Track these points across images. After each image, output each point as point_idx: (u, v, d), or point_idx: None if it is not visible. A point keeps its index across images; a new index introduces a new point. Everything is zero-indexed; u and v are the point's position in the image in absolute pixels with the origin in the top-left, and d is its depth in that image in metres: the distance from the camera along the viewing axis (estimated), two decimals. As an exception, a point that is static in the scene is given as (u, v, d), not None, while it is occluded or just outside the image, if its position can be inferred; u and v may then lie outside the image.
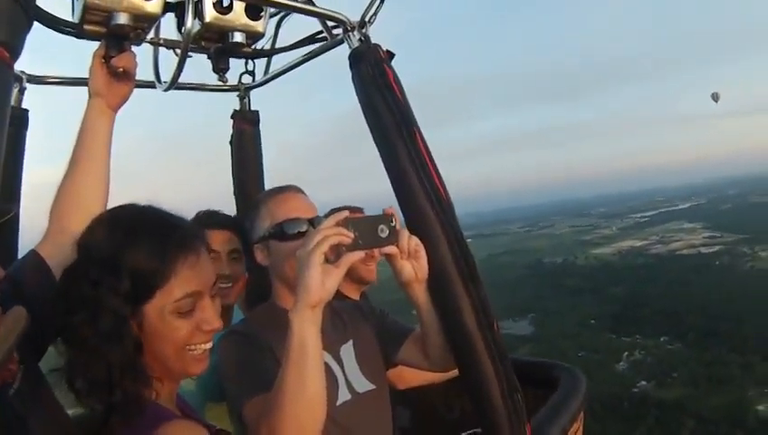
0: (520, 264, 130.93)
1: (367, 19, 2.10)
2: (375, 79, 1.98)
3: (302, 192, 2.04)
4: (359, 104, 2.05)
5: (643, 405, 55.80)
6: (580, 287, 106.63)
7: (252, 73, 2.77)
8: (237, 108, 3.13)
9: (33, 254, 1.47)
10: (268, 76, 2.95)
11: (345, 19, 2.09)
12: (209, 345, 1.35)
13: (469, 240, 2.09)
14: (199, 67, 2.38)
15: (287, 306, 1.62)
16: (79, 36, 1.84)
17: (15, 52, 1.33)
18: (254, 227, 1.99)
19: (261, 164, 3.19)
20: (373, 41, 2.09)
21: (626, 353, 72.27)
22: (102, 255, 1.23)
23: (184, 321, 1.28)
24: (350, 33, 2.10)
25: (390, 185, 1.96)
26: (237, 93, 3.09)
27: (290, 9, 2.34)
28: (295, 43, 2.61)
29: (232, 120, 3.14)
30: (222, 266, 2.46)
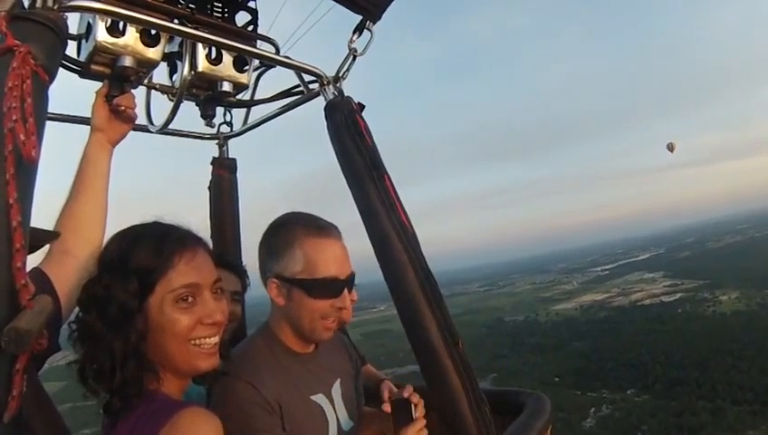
0: (480, 323, 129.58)
1: (341, 75, 2.47)
2: (348, 127, 2.28)
3: (341, 236, 2.00)
4: (333, 151, 2.33)
5: (615, 463, 54.00)
6: (541, 344, 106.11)
7: (230, 124, 3.07)
8: (216, 155, 3.27)
9: (38, 271, 1.60)
10: (246, 126, 3.14)
11: (322, 73, 2.43)
12: (215, 340, 1.43)
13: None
14: (180, 115, 2.59)
15: (294, 347, 1.94)
16: (82, 75, 2.05)
17: (52, 75, 1.46)
18: (279, 263, 1.90)
19: (237, 209, 3.34)
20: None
21: (592, 409, 71.35)
22: (112, 260, 1.38)
23: (184, 314, 1.37)
24: (326, 87, 2.43)
25: (362, 221, 2.23)
26: (217, 142, 3.23)
27: (273, 62, 2.54)
28: (275, 95, 2.86)
29: (211, 167, 3.26)
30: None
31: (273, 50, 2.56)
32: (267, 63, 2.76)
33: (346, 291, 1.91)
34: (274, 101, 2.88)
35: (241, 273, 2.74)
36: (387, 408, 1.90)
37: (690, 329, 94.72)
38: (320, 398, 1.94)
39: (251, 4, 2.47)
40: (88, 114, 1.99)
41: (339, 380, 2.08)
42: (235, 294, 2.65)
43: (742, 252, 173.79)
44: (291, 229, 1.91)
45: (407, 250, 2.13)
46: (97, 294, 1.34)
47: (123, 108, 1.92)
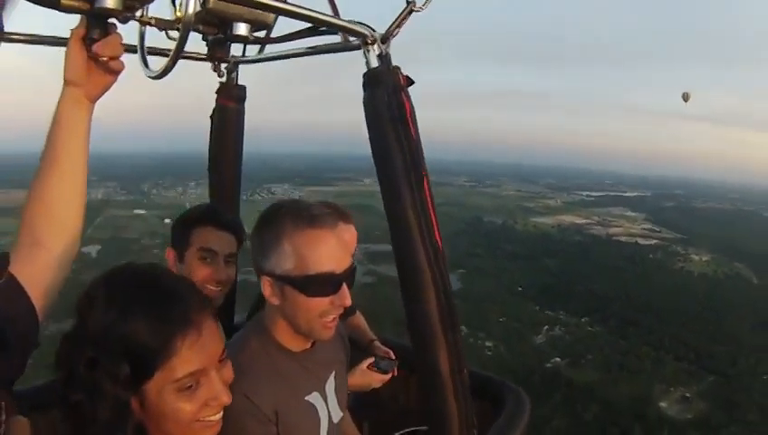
0: (459, 218, 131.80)
1: (392, 33, 1.96)
2: (391, 109, 1.92)
3: (337, 223, 1.89)
4: (366, 130, 1.99)
5: (553, 382, 57.75)
6: (514, 252, 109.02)
7: (242, 50, 2.73)
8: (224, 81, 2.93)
9: (7, 276, 1.32)
10: (264, 56, 2.74)
11: (367, 31, 1.94)
12: (219, 416, 1.36)
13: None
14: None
15: (290, 346, 1.88)
16: (54, 8, 1.52)
17: None
18: (270, 260, 1.79)
19: (241, 145, 3.09)
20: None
21: (546, 327, 74.77)
22: (98, 331, 1.21)
23: (188, 401, 1.28)
24: (370, 47, 1.96)
25: (389, 227, 1.99)
26: (225, 66, 2.82)
27: (306, 20, 1.98)
28: (297, 32, 2.31)
29: (216, 95, 2.97)
30: (218, 271, 2.52)
31: None
32: None
33: (345, 286, 1.81)
34: (298, 38, 2.37)
35: (237, 230, 2.59)
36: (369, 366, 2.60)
37: (656, 277, 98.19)
38: (314, 397, 1.93)
39: None
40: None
41: (333, 373, 2.08)
42: (229, 257, 2.54)
43: (725, 220, 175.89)
44: (279, 222, 1.79)
45: (434, 275, 1.96)
46: (82, 373, 1.20)
47: (106, 57, 1.52)
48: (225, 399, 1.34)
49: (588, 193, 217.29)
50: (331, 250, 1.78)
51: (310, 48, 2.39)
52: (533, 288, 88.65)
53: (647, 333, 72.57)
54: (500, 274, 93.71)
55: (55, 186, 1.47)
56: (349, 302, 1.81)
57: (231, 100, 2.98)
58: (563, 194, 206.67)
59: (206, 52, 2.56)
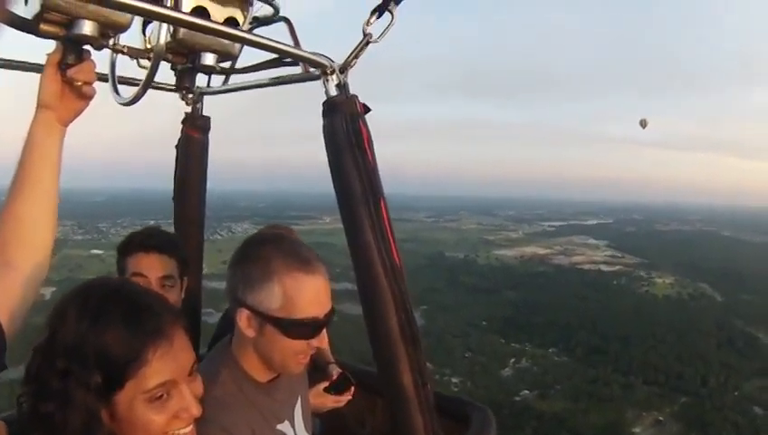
0: (420, 254, 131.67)
1: (349, 64, 2.11)
2: (348, 136, 2.04)
3: (323, 268, 1.90)
4: (326, 155, 2.12)
5: (523, 415, 57.37)
6: (476, 286, 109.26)
7: (207, 81, 2.83)
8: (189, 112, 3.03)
9: None
10: (228, 87, 2.87)
11: (326, 61, 2.09)
12: (188, 429, 1.38)
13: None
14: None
15: (258, 377, 1.89)
16: (30, 32, 1.66)
17: None
18: (254, 295, 1.79)
19: (205, 173, 3.16)
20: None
21: (512, 360, 74.43)
22: (69, 342, 1.23)
23: (158, 412, 1.30)
24: (329, 77, 2.10)
25: (348, 248, 2.11)
26: (191, 96, 2.91)
27: (267, 50, 2.15)
28: (263, 62, 2.51)
29: (182, 125, 3.06)
30: None
31: (272, 11, 2.40)
32: (263, 22, 2.46)
33: (324, 330, 1.87)
34: (261, 69, 2.55)
35: (168, 250, 2.58)
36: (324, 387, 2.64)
37: (621, 303, 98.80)
38: (285, 425, 1.97)
39: None
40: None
41: (299, 399, 2.13)
42: (165, 279, 2.53)
43: (686, 241, 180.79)
44: (270, 260, 1.78)
45: (392, 289, 2.07)
46: (51, 382, 1.21)
47: (80, 82, 1.60)
48: (195, 411, 1.36)
49: (549, 223, 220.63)
50: (318, 296, 1.82)
51: (272, 79, 2.51)
52: (498, 321, 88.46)
53: (614, 359, 72.80)
54: (463, 308, 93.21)
55: (27, 207, 1.52)
56: (325, 343, 1.97)
57: (196, 130, 3.05)
58: (525, 225, 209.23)
59: (171, 82, 2.68)
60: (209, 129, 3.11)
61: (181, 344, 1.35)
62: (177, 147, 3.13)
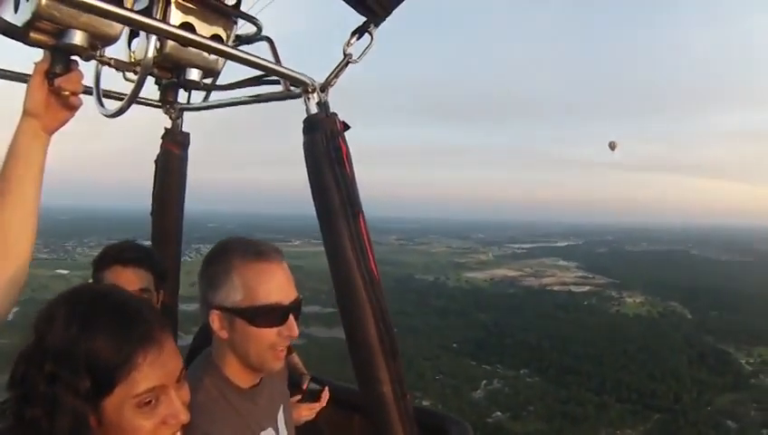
0: (390, 276, 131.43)
1: (330, 83, 2.25)
2: (329, 152, 2.15)
3: (283, 260, 1.96)
4: (306, 170, 2.22)
5: (496, 437, 56.77)
6: (446, 309, 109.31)
7: (187, 97, 2.92)
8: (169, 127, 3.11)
9: None
10: (208, 104, 2.94)
11: (308, 80, 2.20)
12: None
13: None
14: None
15: (240, 383, 1.91)
16: (19, 40, 1.70)
17: None
18: (219, 293, 1.85)
19: (184, 188, 3.21)
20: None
21: (484, 382, 74.31)
22: (58, 346, 1.23)
23: (146, 418, 1.30)
24: (310, 96, 2.22)
25: (327, 260, 2.22)
26: (169, 112, 3.02)
27: (251, 66, 2.21)
28: (242, 81, 2.59)
29: (161, 140, 3.12)
30: None
31: (254, 29, 2.49)
32: (246, 41, 2.53)
33: (292, 317, 1.87)
34: (242, 87, 2.63)
35: (145, 264, 2.59)
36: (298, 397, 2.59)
37: (592, 323, 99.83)
38: (268, 432, 2.00)
39: None
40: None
41: (282, 407, 2.16)
42: (141, 292, 2.51)
43: (656, 261, 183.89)
44: (227, 257, 1.87)
45: (371, 301, 2.14)
46: (40, 387, 1.21)
47: (68, 92, 1.63)
48: (184, 417, 1.36)
49: (519, 246, 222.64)
50: (278, 282, 1.86)
51: (253, 96, 2.62)
52: (469, 343, 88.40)
53: (587, 378, 73.25)
54: (433, 331, 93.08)
55: (9, 215, 1.55)
56: (296, 332, 1.89)
57: (176, 145, 3.10)
58: (495, 248, 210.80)
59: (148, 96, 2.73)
60: (188, 144, 3.17)
61: (170, 351, 1.36)
62: (155, 162, 3.19)
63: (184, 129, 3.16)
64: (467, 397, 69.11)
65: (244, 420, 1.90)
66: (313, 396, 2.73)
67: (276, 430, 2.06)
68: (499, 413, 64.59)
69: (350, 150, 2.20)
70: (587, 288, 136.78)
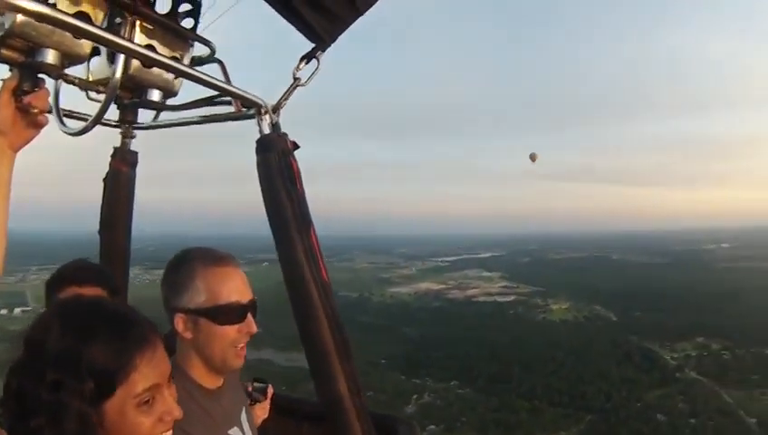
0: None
1: (281, 105, 2.45)
2: (281, 170, 2.33)
3: (239, 264, 2.15)
4: (260, 188, 2.38)
5: (430, 450, 56.40)
6: (373, 325, 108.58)
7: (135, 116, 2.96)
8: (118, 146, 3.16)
9: None
10: (159, 123, 3.03)
11: (261, 102, 2.39)
12: (170, 433, 1.46)
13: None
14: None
15: (205, 384, 2.06)
16: None
17: None
18: (183, 297, 2.03)
19: (132, 208, 3.28)
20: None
21: (415, 396, 74.00)
22: (60, 355, 1.27)
23: (146, 415, 1.37)
24: (264, 117, 2.40)
25: (282, 270, 2.38)
26: (120, 131, 3.07)
27: (210, 87, 2.36)
28: (196, 101, 2.69)
29: (111, 159, 3.17)
30: None
31: (209, 52, 2.59)
32: (199, 62, 2.60)
33: (250, 315, 2.05)
34: (195, 108, 2.72)
35: (101, 281, 2.58)
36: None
37: (519, 331, 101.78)
38: (235, 431, 2.14)
39: None
40: None
41: (243, 408, 2.30)
42: None
43: (579, 267, 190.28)
44: (190, 263, 2.04)
45: (324, 306, 2.31)
46: (42, 396, 1.23)
47: (36, 110, 1.65)
48: (177, 413, 1.43)
49: (442, 259, 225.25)
50: (237, 284, 2.05)
51: (205, 116, 2.74)
52: (397, 358, 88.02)
53: (518, 385, 74.21)
54: (361, 347, 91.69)
55: None
56: (254, 329, 2.07)
57: (125, 164, 3.14)
58: (418, 262, 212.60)
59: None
60: (137, 163, 3.20)
61: (162, 351, 1.43)
62: (104, 180, 3.20)
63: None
64: (399, 412, 67.67)
65: (214, 419, 2.04)
66: (257, 391, 2.71)
67: (242, 429, 2.19)
68: (433, 426, 64.33)
69: (300, 168, 2.37)
70: (512, 297, 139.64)
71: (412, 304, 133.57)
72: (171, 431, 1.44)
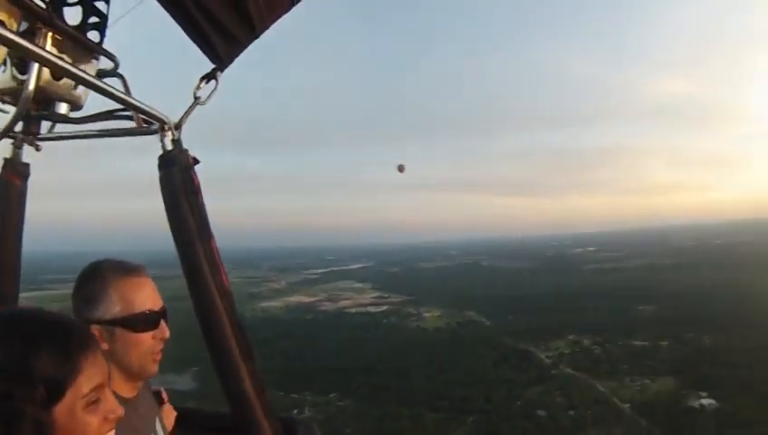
0: (182, 313, 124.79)
1: (183, 123, 2.56)
2: (184, 184, 2.46)
3: (149, 274, 2.24)
4: (163, 202, 2.50)
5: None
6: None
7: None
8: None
9: None
10: (55, 135, 2.95)
11: (165, 118, 2.50)
12: (113, 433, 1.52)
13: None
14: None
15: (123, 393, 2.08)
16: None
17: None
18: (98, 309, 2.10)
19: (22, 221, 3.17)
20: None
21: (295, 411, 72.28)
22: (6, 365, 1.31)
23: (93, 415, 1.43)
24: (165, 133, 2.51)
25: (186, 280, 2.52)
26: (13, 142, 2.98)
27: (117, 101, 2.41)
28: (97, 114, 2.69)
29: (1, 170, 3.08)
30: None
31: (112, 66, 2.62)
32: (102, 76, 2.59)
33: (163, 322, 2.18)
34: (95, 121, 2.73)
35: None
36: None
37: (394, 340, 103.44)
38: None
39: (99, 5, 2.42)
40: None
41: (157, 417, 2.40)
42: None
43: (449, 274, 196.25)
44: (102, 275, 2.11)
45: (226, 311, 2.49)
46: None
47: None
48: (120, 411, 1.50)
49: (312, 271, 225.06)
50: (149, 293, 2.17)
51: (104, 130, 2.76)
52: (273, 374, 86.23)
53: (398, 393, 74.90)
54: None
55: None
56: (167, 334, 2.20)
57: (16, 176, 3.04)
58: (288, 275, 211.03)
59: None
60: (29, 175, 3.10)
61: (100, 352, 1.49)
62: None
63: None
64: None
65: (133, 428, 2.10)
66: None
67: None
68: (317, 440, 63.21)
69: (201, 182, 2.50)
70: (385, 307, 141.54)
71: (284, 317, 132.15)
72: (114, 431, 1.49)
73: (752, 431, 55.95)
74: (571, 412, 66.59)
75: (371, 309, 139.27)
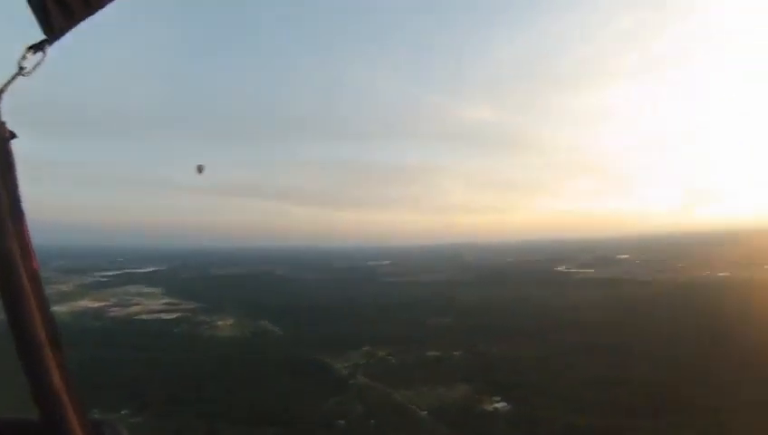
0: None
1: (3, 91, 2.36)
2: None
3: None
4: None
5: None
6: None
7: None
8: None
9: None
10: None
11: None
12: None
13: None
14: None
15: None
16: None
17: None
18: None
19: None
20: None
21: (81, 432, 67.40)
22: None
23: None
24: None
25: None
26: None
27: None
28: None
29: None
30: None
31: None
32: None
33: None
34: None
35: None
36: None
37: (186, 349, 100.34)
38: None
39: None
40: None
41: None
42: None
43: (243, 283, 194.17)
44: None
45: (35, 296, 2.30)
46: None
47: None
48: None
49: (103, 273, 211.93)
50: None
51: None
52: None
53: (193, 406, 72.15)
54: (8, 378, 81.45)
55: None
56: None
57: None
58: (76, 277, 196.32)
59: None
60: None
61: None
62: None
63: None
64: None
65: None
66: None
67: None
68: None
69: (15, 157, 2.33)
70: (177, 314, 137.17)
71: (71, 324, 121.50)
72: None
73: (551, 428, 62.25)
74: (372, 422, 68.08)
75: (164, 316, 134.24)
